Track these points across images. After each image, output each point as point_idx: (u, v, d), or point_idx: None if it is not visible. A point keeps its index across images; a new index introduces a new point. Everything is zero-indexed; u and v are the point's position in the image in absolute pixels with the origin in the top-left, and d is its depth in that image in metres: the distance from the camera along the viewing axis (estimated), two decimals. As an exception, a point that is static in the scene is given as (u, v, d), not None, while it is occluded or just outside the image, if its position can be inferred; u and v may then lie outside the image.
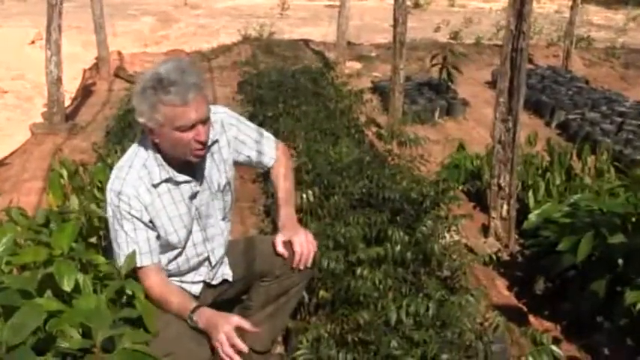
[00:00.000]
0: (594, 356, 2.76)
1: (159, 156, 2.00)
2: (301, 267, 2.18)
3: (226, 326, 1.88)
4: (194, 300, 2.06)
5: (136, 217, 1.97)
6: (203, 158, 2.07)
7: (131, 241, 1.97)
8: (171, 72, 1.89)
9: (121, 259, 1.98)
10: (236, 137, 2.21)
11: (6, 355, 1.43)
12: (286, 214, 2.29)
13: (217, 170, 2.15)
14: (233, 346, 1.86)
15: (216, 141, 2.14)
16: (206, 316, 1.94)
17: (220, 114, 2.18)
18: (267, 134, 2.34)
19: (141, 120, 1.94)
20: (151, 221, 2.00)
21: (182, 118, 1.89)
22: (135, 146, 2.05)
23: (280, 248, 2.18)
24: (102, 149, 4.31)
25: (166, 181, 2.01)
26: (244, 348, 1.87)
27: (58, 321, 1.65)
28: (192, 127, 1.92)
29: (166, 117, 1.89)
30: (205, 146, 2.00)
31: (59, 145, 5.41)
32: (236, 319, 1.92)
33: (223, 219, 2.21)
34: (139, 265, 1.98)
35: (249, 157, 2.26)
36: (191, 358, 1.91)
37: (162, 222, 2.02)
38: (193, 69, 1.96)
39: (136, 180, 1.97)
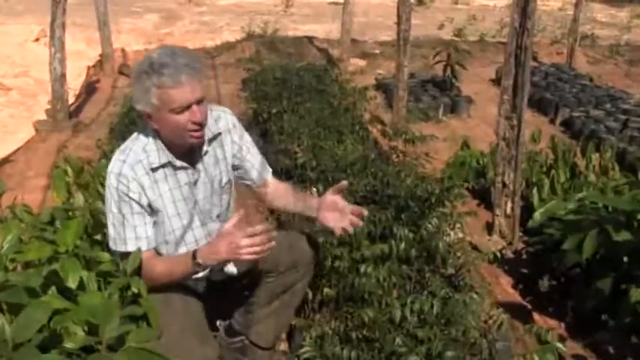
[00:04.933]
0: (599, 354, 2.76)
1: (159, 141, 2.01)
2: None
3: (224, 239, 1.92)
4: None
5: (134, 200, 1.97)
6: (203, 150, 2.07)
7: (128, 225, 1.98)
8: (163, 55, 1.90)
9: (115, 242, 1.99)
10: (239, 142, 2.21)
11: (12, 352, 1.43)
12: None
13: (217, 165, 2.14)
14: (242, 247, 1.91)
15: (219, 134, 2.14)
16: (206, 250, 1.96)
17: (228, 114, 2.21)
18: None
19: (138, 107, 1.96)
20: (149, 205, 2.00)
21: (176, 100, 1.90)
22: (137, 132, 2.07)
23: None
24: (106, 146, 4.31)
25: (165, 165, 2.02)
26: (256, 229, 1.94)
27: (63, 318, 1.65)
28: (188, 107, 1.92)
29: (161, 100, 1.90)
30: (202, 127, 1.99)
31: (63, 142, 5.42)
32: (226, 227, 1.95)
33: (218, 216, 2.20)
34: (135, 249, 1.97)
35: (251, 163, 2.26)
36: (195, 357, 1.91)
37: (159, 208, 2.02)
38: (187, 52, 1.97)
39: (136, 163, 1.98)
